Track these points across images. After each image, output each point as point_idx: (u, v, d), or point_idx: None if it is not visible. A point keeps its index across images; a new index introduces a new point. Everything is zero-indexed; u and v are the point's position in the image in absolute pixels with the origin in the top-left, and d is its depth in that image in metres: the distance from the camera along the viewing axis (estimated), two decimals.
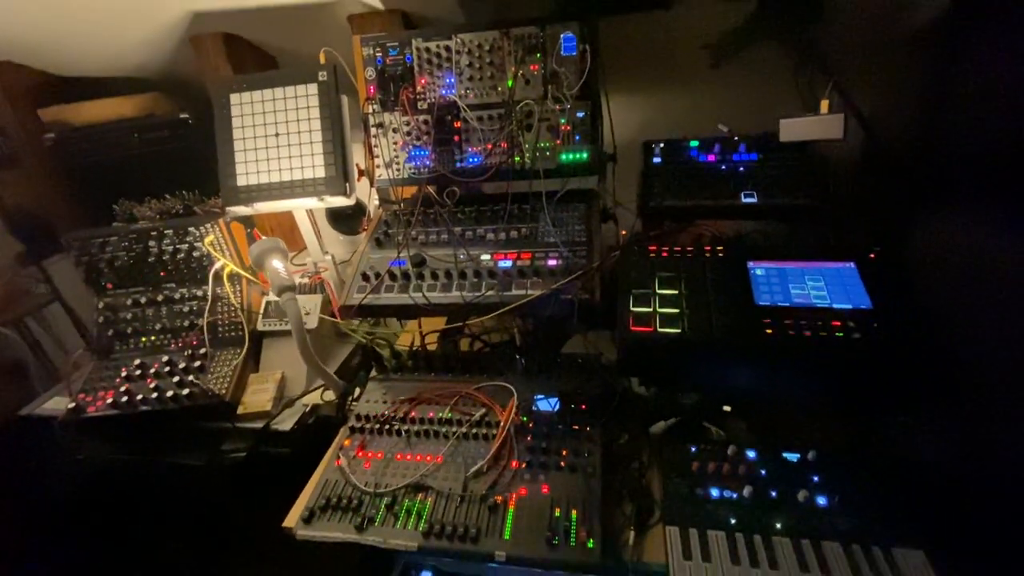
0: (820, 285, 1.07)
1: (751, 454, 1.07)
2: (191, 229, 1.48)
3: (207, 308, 1.45)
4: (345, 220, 1.90)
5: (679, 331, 1.03)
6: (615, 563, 0.95)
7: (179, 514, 1.47)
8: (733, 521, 0.97)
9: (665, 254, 1.18)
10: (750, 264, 1.13)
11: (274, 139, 1.45)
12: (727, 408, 1.18)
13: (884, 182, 1.17)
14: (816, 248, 1.14)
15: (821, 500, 0.97)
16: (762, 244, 1.16)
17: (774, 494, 0.99)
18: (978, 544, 0.87)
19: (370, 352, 1.39)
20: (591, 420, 1.17)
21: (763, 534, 0.94)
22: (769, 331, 0.99)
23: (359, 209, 1.85)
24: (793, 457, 1.05)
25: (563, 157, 1.38)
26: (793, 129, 1.18)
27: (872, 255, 1.09)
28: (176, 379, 1.37)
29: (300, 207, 1.51)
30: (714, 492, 1.01)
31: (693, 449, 1.10)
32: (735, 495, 1.00)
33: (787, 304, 1.04)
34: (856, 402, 1.03)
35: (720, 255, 1.16)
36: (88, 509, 1.39)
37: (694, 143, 1.49)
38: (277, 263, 1.24)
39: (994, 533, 0.85)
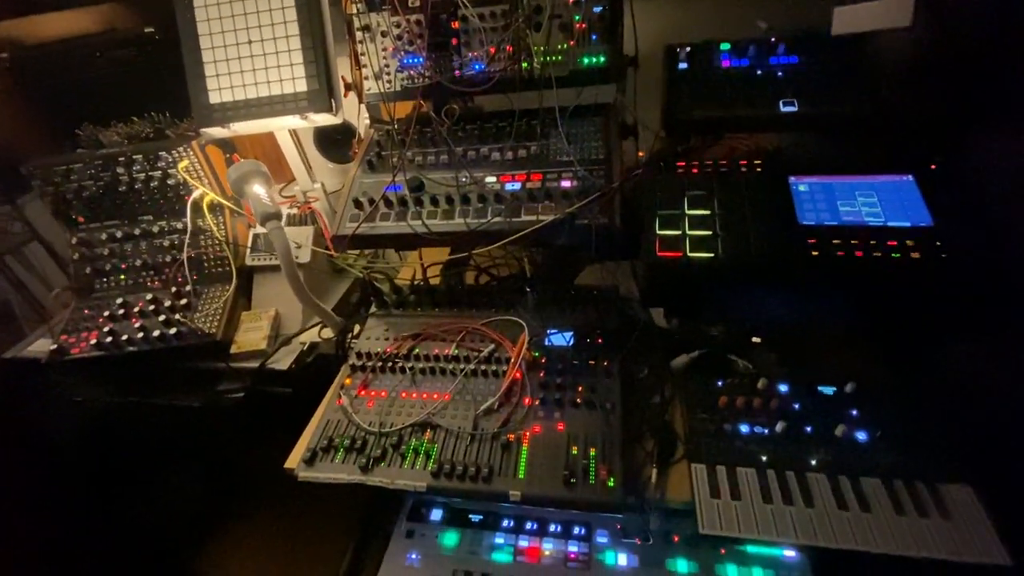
0: (873, 201, 0.94)
1: (783, 388, 0.99)
2: (162, 154, 1.33)
3: (188, 241, 1.33)
4: (335, 146, 1.74)
5: (712, 255, 0.92)
6: (636, 501, 0.89)
7: (178, 456, 1.43)
8: (764, 458, 0.90)
9: (695, 171, 1.05)
10: (792, 180, 1.00)
11: (247, 48, 1.27)
12: (756, 339, 1.08)
13: (950, 82, 1.01)
14: (867, 160, 1.00)
15: (860, 435, 0.90)
16: (805, 157, 1.02)
17: (809, 429, 0.92)
18: None
19: (369, 287, 1.29)
20: (608, 354, 1.08)
21: (797, 471, 0.88)
22: (815, 252, 0.88)
23: (348, 132, 1.69)
24: (829, 390, 0.98)
25: (579, 61, 1.20)
26: (850, 18, 1.00)
27: (933, 166, 0.96)
28: (162, 318, 1.28)
29: (282, 127, 1.35)
30: (743, 428, 0.94)
31: (720, 383, 1.02)
32: (766, 431, 0.93)
33: (835, 223, 0.93)
34: (904, 328, 0.94)
35: (757, 171, 1.02)
36: (82, 453, 1.35)
37: (725, 45, 1.30)
38: (259, 188, 1.11)
39: None
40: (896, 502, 0.82)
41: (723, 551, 0.99)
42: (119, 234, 1.38)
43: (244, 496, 1.50)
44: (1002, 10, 0.93)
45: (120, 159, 1.33)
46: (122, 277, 1.38)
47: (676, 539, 1.02)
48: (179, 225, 1.37)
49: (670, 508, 0.90)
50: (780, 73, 1.23)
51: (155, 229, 1.38)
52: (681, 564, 0.98)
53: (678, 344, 1.13)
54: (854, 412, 0.93)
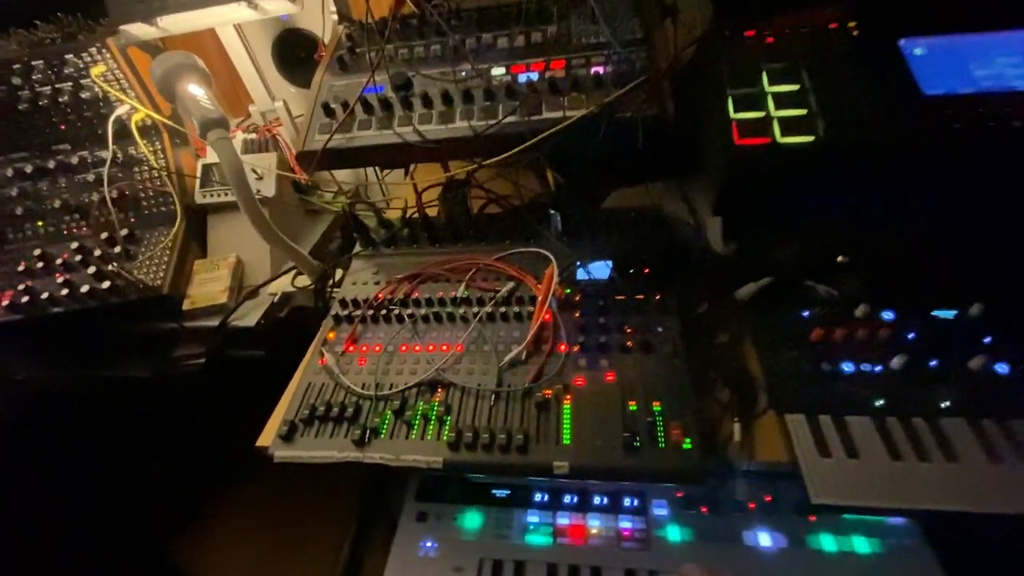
0: (1016, 62, 0.71)
1: (888, 315, 0.78)
2: (70, 58, 1.03)
3: (115, 173, 1.06)
4: (298, 65, 1.43)
5: (812, 138, 0.68)
6: (719, 466, 0.69)
7: (131, 439, 1.19)
8: (880, 403, 0.70)
9: (771, 39, 0.80)
10: (903, 43, 0.76)
11: None
12: (842, 259, 0.86)
13: None
14: (994, 14, 0.76)
15: (1001, 367, 0.70)
16: (915, 15, 0.78)
17: (934, 364, 0.71)
18: None
19: (351, 223, 1.04)
20: (659, 287, 0.86)
21: (926, 417, 0.67)
22: (956, 126, 0.65)
23: (315, 48, 1.39)
24: (948, 315, 0.77)
25: None
26: None
27: None
28: (92, 270, 1.02)
29: (225, 21, 1.06)
30: (846, 367, 0.73)
31: (806, 314, 0.81)
32: (878, 368, 0.72)
33: (973, 91, 0.69)
34: None
35: (855, 35, 0.78)
36: (13, 441, 1.11)
37: None
38: (195, 88, 0.84)
39: None
40: None
41: (812, 518, 0.80)
42: (29, 169, 1.10)
43: (216, 479, 1.28)
44: None
45: (15, 67, 1.03)
46: (39, 223, 1.10)
47: (752, 506, 0.82)
48: (104, 155, 1.09)
49: (765, 473, 0.69)
50: None
51: (74, 160, 1.09)
52: (763, 537, 0.79)
53: (739, 272, 0.91)
54: (988, 339, 0.72)
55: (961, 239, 0.75)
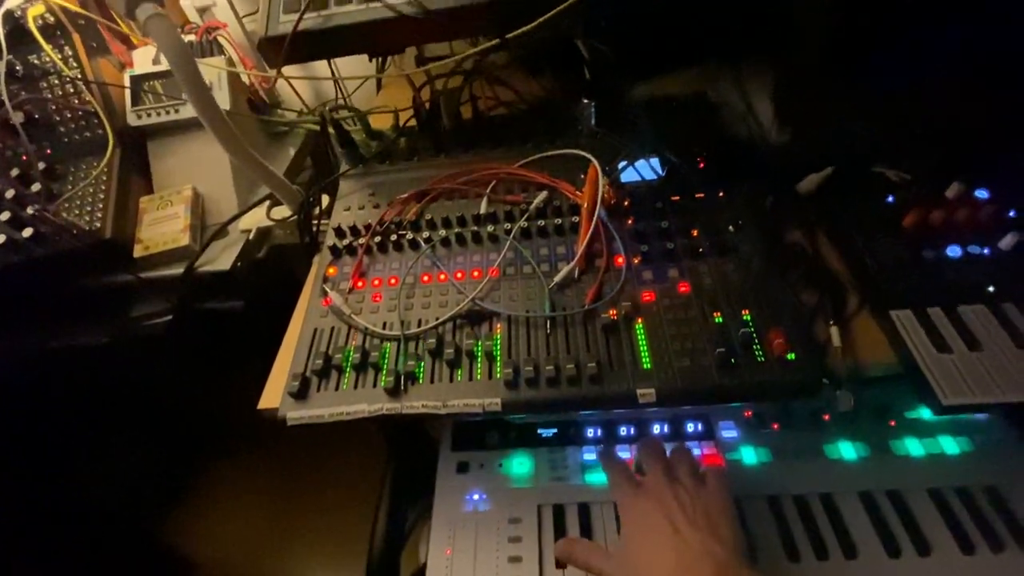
0: None
1: (982, 193, 0.69)
2: None
3: (20, 91, 0.82)
4: None
5: None
6: (825, 376, 0.60)
7: (91, 416, 1.02)
8: (993, 288, 0.61)
9: None
10: None
11: None
12: (916, 134, 0.76)
13: None
14: None
15: None
16: None
17: None
18: None
19: (336, 134, 0.85)
20: (719, 181, 0.73)
21: None
22: None
23: None
24: None
25: None
26: None
27: None
28: (6, 216, 0.80)
29: None
30: (952, 252, 0.64)
31: (890, 199, 0.70)
32: (986, 250, 0.63)
33: None
34: None
35: None
36: None
37: None
38: None
39: None
40: None
41: (892, 423, 0.74)
42: None
43: (206, 452, 1.13)
44: None
45: None
46: None
47: (827, 417, 0.75)
48: (2, 67, 0.84)
49: (874, 378, 0.61)
50: None
51: None
52: (845, 448, 0.72)
53: (799, 161, 0.79)
54: None
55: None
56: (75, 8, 0.83)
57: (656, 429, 0.79)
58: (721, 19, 0.67)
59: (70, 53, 0.85)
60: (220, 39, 0.97)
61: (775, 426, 0.76)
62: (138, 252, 0.84)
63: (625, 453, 0.76)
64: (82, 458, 1.13)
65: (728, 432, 0.77)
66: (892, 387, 0.64)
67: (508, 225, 0.73)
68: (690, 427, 0.78)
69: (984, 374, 0.55)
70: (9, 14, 0.80)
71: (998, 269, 0.62)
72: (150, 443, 1.13)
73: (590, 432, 0.79)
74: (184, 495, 1.15)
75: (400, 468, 0.83)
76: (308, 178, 1.10)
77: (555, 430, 0.80)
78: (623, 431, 0.79)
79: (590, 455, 0.77)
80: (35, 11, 0.81)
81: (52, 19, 0.84)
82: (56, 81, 0.85)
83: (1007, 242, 0.62)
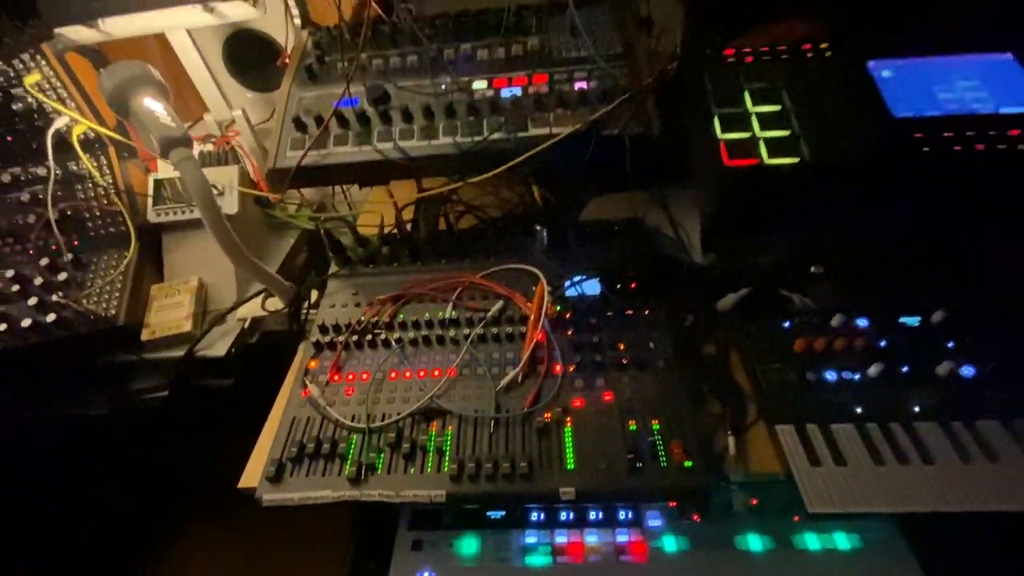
0: (975, 85, 0.76)
1: (862, 323, 0.83)
2: None
3: (50, 188, 0.96)
4: (253, 69, 1.35)
5: (797, 160, 0.71)
6: (718, 481, 0.71)
7: (90, 480, 1.10)
8: (860, 410, 0.74)
9: (750, 59, 0.82)
10: (871, 65, 0.80)
11: None
12: (816, 269, 0.91)
13: None
14: (952, 38, 0.82)
15: (967, 370, 0.75)
16: (881, 38, 0.82)
17: (906, 370, 0.76)
18: None
19: (324, 240, 0.99)
20: (648, 301, 0.87)
21: (902, 421, 0.72)
22: (926, 149, 0.69)
23: (270, 50, 1.31)
24: (913, 321, 0.82)
25: None
26: None
27: None
28: (33, 301, 0.92)
29: (177, 25, 0.97)
30: (829, 376, 0.77)
31: (787, 325, 0.84)
32: (857, 376, 0.76)
33: (937, 113, 0.74)
34: (999, 235, 0.79)
35: (827, 56, 0.81)
36: None
37: None
38: (152, 102, 0.76)
39: None
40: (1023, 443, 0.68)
41: (796, 518, 0.84)
42: None
43: (186, 519, 1.20)
44: None
45: None
46: None
47: (741, 510, 0.85)
48: (40, 171, 0.99)
49: (760, 484, 0.72)
50: None
51: (5, 179, 0.98)
52: (753, 540, 0.82)
53: (720, 283, 0.93)
54: (951, 344, 0.78)
55: (925, 250, 0.80)
56: (110, 133, 0.99)
57: (593, 516, 0.88)
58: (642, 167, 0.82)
59: (105, 162, 1.01)
60: (236, 146, 1.13)
61: (696, 517, 0.86)
62: (145, 336, 0.95)
63: (563, 537, 0.86)
64: (70, 511, 1.20)
65: (654, 521, 0.86)
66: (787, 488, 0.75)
67: (467, 330, 0.86)
68: (621, 514, 0.88)
69: (846, 487, 0.67)
70: (57, 131, 0.95)
71: (865, 393, 0.75)
72: (130, 504, 1.20)
73: (534, 516, 0.89)
74: (158, 557, 1.20)
75: (361, 547, 0.92)
76: (304, 260, 1.24)
77: (503, 512, 0.90)
78: (563, 516, 0.89)
79: (531, 538, 0.86)
80: (79, 129, 0.97)
81: (92, 135, 0.99)
82: (90, 184, 1.00)
83: (873, 370, 0.76)
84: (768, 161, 0.71)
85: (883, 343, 0.79)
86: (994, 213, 0.74)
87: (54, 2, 0.89)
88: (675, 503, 0.87)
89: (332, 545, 1.00)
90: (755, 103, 0.77)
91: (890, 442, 0.70)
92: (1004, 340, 0.76)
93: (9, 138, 0.97)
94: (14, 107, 0.94)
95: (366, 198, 1.26)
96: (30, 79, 0.92)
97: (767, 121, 0.74)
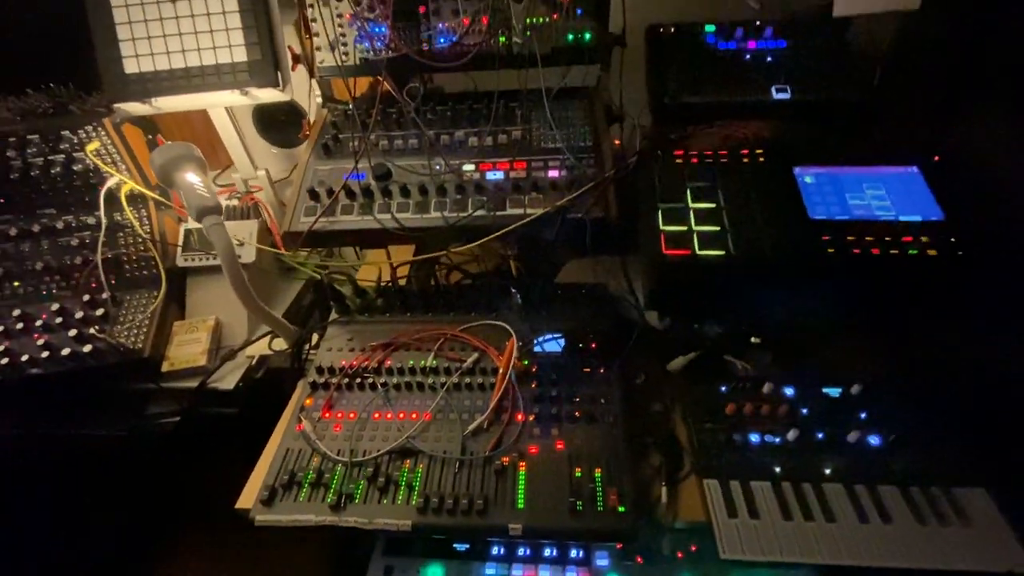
0: (881, 194, 0.90)
1: (789, 391, 0.94)
2: (65, 134, 1.10)
3: (103, 239, 1.11)
4: (277, 127, 1.53)
5: (723, 253, 0.84)
6: (648, 526, 0.81)
7: (101, 496, 1.21)
8: (778, 469, 0.84)
9: (695, 160, 0.97)
10: (797, 171, 0.94)
11: (170, 7, 1.06)
12: (755, 340, 1.03)
13: (947, 68, 0.98)
14: (870, 151, 0.96)
15: (873, 440, 0.86)
16: (808, 147, 0.97)
17: (821, 436, 0.87)
18: None
19: (326, 290, 1.13)
20: (605, 360, 0.99)
21: (812, 482, 0.82)
22: (831, 250, 0.82)
23: (294, 112, 1.49)
24: (835, 392, 0.93)
25: (563, 37, 1.09)
26: (856, 0, 0.94)
27: (936, 158, 0.92)
28: (72, 333, 1.06)
29: (217, 104, 1.15)
30: (753, 438, 0.88)
31: (723, 389, 0.96)
32: (778, 439, 0.87)
33: (846, 217, 0.87)
34: (912, 324, 0.91)
35: (761, 160, 0.96)
36: None
37: (710, 27, 1.23)
38: (193, 177, 0.93)
39: None
40: (916, 511, 0.78)
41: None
42: (13, 231, 1.14)
43: (184, 535, 1.30)
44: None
45: (11, 139, 1.09)
46: (16, 284, 1.14)
47: (680, 556, 0.95)
48: (89, 220, 1.15)
49: (686, 530, 0.82)
50: (769, 58, 1.17)
51: (59, 225, 1.14)
52: None
53: (672, 345, 1.05)
54: (863, 415, 0.89)
55: (840, 329, 0.92)
56: (152, 194, 1.16)
57: (547, 552, 0.98)
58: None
59: (144, 214, 1.17)
60: (259, 203, 1.29)
61: (639, 559, 0.96)
62: (165, 367, 1.09)
63: (519, 571, 0.96)
64: (69, 530, 1.30)
65: (601, 560, 0.96)
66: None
67: (444, 378, 0.98)
68: (573, 552, 0.98)
69: (755, 538, 0.77)
70: (110, 191, 1.12)
71: (783, 455, 0.85)
72: (133, 520, 1.30)
73: (495, 550, 0.99)
74: (153, 569, 1.30)
75: (340, 571, 1.02)
76: (310, 302, 1.38)
77: (468, 545, 1.00)
78: (521, 551, 0.99)
79: (491, 570, 0.96)
80: (126, 188, 1.14)
81: (137, 191, 1.16)
82: (130, 233, 1.15)
83: (791, 435, 0.86)
84: (699, 252, 0.84)
85: (805, 411, 0.91)
86: (898, 306, 0.86)
87: (116, 82, 1.07)
88: (620, 545, 0.97)
89: (314, 568, 1.10)
90: (694, 200, 0.91)
91: (799, 500, 0.80)
92: (908, 415, 0.87)
93: (67, 192, 1.14)
94: (75, 168, 1.11)
95: (367, 252, 1.42)
96: (91, 147, 1.09)
97: (702, 217, 0.88)
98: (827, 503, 0.80)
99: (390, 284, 1.17)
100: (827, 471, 0.83)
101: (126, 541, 1.27)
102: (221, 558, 1.24)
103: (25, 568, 1.19)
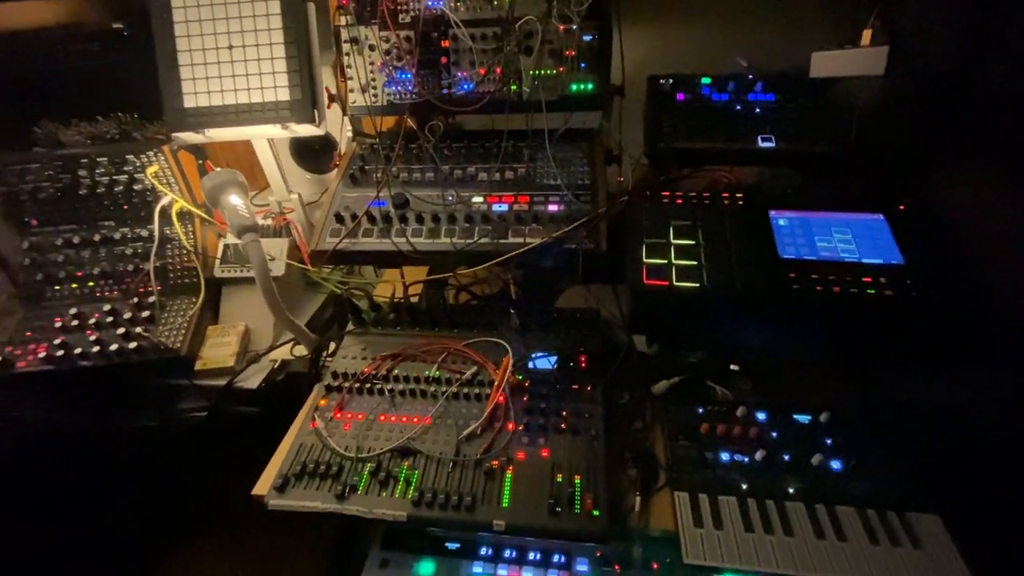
0: (848, 238, 0.98)
1: (761, 416, 1.01)
2: (130, 158, 1.26)
3: (154, 250, 1.26)
4: (311, 156, 1.70)
5: (698, 285, 0.93)
6: (621, 531, 0.89)
7: (130, 480, 1.33)
8: (744, 486, 0.91)
9: (680, 201, 1.07)
10: (772, 214, 1.03)
11: (227, 52, 1.23)
12: (734, 367, 1.11)
13: (918, 126, 1.07)
14: (841, 198, 1.06)
15: (835, 464, 0.93)
16: (784, 193, 1.06)
17: (787, 458, 0.94)
18: (995, 508, 0.84)
19: (345, 303, 1.25)
20: (592, 379, 1.08)
21: (776, 499, 0.89)
22: (796, 286, 0.91)
23: (327, 143, 1.66)
24: (804, 419, 1.00)
25: (568, 87, 1.22)
26: (828, 63, 1.05)
27: (902, 207, 1.01)
28: (121, 331, 1.20)
29: (260, 136, 1.31)
30: (724, 456, 0.95)
31: (700, 411, 1.04)
32: (747, 459, 0.95)
33: (813, 258, 0.96)
34: (876, 360, 0.98)
35: (740, 203, 1.06)
36: (22, 477, 1.24)
37: (706, 80, 1.35)
38: (236, 199, 1.07)
39: (1013, 496, 0.82)
40: (870, 532, 0.84)
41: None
42: (76, 239, 1.29)
43: (200, 522, 1.41)
44: (968, 62, 1.00)
45: (83, 160, 1.25)
46: (74, 285, 1.29)
47: (656, 566, 1.01)
48: (143, 232, 1.30)
49: (654, 538, 0.89)
50: (758, 110, 1.28)
51: (116, 236, 1.30)
52: None
53: (658, 369, 1.14)
54: (829, 441, 0.96)
55: (812, 361, 1.00)
56: (199, 212, 1.31)
57: (532, 556, 1.06)
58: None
59: (190, 229, 1.31)
60: (291, 223, 1.43)
61: (616, 567, 1.02)
62: (198, 366, 1.21)
63: (504, 571, 1.03)
64: (93, 511, 1.42)
65: (581, 566, 1.03)
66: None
67: (445, 388, 1.08)
68: (555, 557, 1.05)
69: (718, 547, 0.84)
70: (163, 208, 1.27)
71: (751, 474, 0.93)
72: (156, 510, 1.41)
73: (483, 550, 1.07)
74: (173, 561, 1.41)
75: (339, 563, 1.11)
76: (331, 314, 1.50)
77: (458, 544, 1.08)
78: (507, 553, 1.06)
79: (478, 568, 1.04)
80: (178, 205, 1.29)
81: (185, 209, 1.31)
82: (177, 245, 1.30)
83: (759, 455, 0.94)
84: (676, 284, 0.94)
85: (774, 434, 0.98)
86: (860, 342, 0.94)
87: (176, 114, 1.23)
88: (600, 552, 1.04)
89: (318, 559, 1.19)
90: (676, 236, 1.01)
91: (762, 515, 0.87)
92: (870, 442, 0.94)
93: (125, 207, 1.30)
94: (135, 187, 1.27)
95: (383, 271, 1.54)
96: (151, 169, 1.25)
97: (681, 252, 0.98)
98: (787, 519, 0.87)
99: (402, 301, 1.28)
100: (790, 490, 0.90)
101: (148, 524, 1.38)
102: (232, 545, 1.34)
103: (57, 543, 1.30)
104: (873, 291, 0.89)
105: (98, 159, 1.25)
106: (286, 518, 0.94)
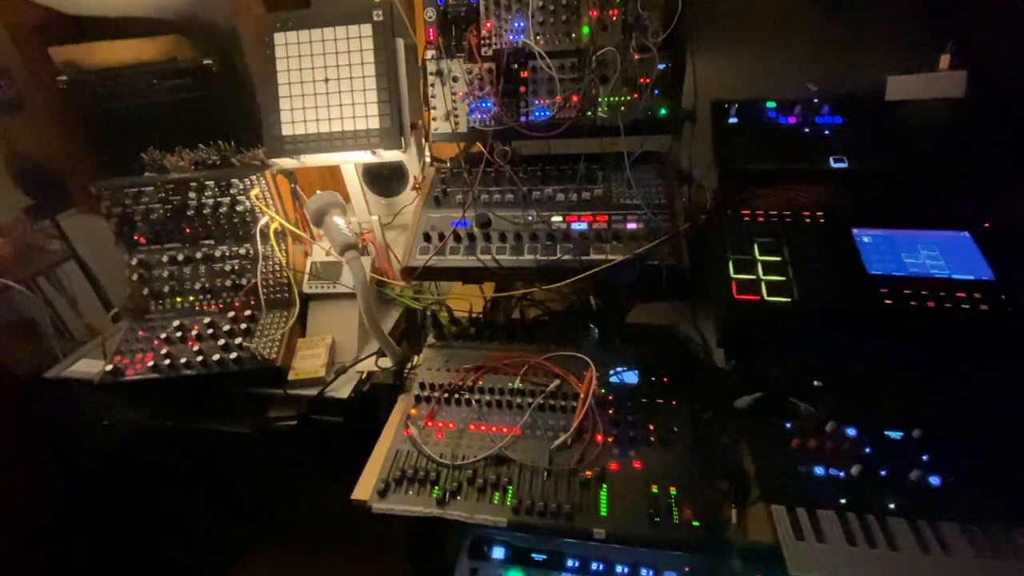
0: (936, 254, 1.00)
1: (851, 431, 1.02)
2: (235, 181, 1.36)
3: (259, 267, 1.35)
4: (381, 180, 1.80)
5: (789, 299, 0.96)
6: (719, 542, 0.90)
7: (223, 484, 1.40)
8: (843, 501, 0.91)
9: (761, 219, 1.10)
10: (855, 231, 1.06)
11: (323, 85, 1.33)
12: (817, 383, 1.11)
13: (997, 148, 1.09)
14: (924, 216, 1.07)
15: (934, 480, 0.92)
16: (865, 211, 1.09)
17: (884, 473, 0.94)
18: None
19: (426, 317, 1.31)
20: (675, 393, 1.11)
21: (876, 515, 0.89)
22: (888, 301, 0.93)
23: (398, 169, 1.75)
24: (896, 435, 1.00)
25: (643, 113, 1.28)
26: (905, 87, 1.08)
27: (987, 224, 1.02)
28: (221, 342, 1.28)
29: (350, 161, 1.40)
30: (818, 470, 0.96)
31: (788, 425, 1.04)
32: (842, 474, 0.95)
33: (902, 274, 0.98)
34: (970, 374, 0.98)
35: (821, 221, 1.08)
36: (125, 478, 1.32)
37: (771, 103, 1.39)
38: (339, 219, 1.14)
39: None
40: (975, 545, 0.83)
41: None
42: (180, 257, 1.39)
43: (283, 526, 1.46)
44: None
45: (192, 184, 1.36)
46: (178, 300, 1.38)
47: None
48: (240, 250, 1.39)
49: (754, 549, 0.90)
50: (827, 131, 1.31)
51: (217, 253, 1.39)
52: None
53: (737, 385, 1.15)
54: (925, 457, 0.95)
55: (899, 376, 1.01)
56: (294, 229, 1.40)
57: (619, 569, 1.07)
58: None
59: (283, 247, 1.40)
60: (371, 243, 1.51)
61: None
62: (290, 376, 1.28)
63: None
64: (177, 512, 1.48)
65: None
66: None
67: (530, 400, 1.12)
68: (644, 571, 1.06)
69: (822, 559, 0.84)
70: (262, 228, 1.36)
71: (847, 488, 0.93)
72: (239, 513, 1.48)
73: (570, 563, 1.08)
74: (254, 563, 1.46)
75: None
76: (402, 331, 1.56)
77: (545, 556, 1.10)
78: (593, 567, 1.08)
79: None
80: (275, 225, 1.38)
81: (281, 229, 1.40)
82: (273, 262, 1.39)
83: (855, 470, 0.94)
84: (767, 298, 0.96)
85: (868, 449, 0.98)
86: (953, 356, 0.94)
87: (274, 141, 1.33)
88: (688, 567, 1.04)
89: (399, 568, 1.22)
90: (761, 253, 1.04)
91: (864, 529, 0.87)
92: (966, 458, 0.93)
93: (226, 227, 1.39)
94: (237, 208, 1.37)
95: (452, 286, 1.60)
96: (254, 192, 1.35)
97: (768, 268, 1.01)
98: (890, 533, 0.86)
99: (480, 315, 1.34)
100: (891, 506, 0.90)
101: (238, 526, 1.44)
102: (317, 551, 1.38)
103: (156, 538, 1.37)
104: (968, 306, 0.90)
105: (206, 183, 1.36)
106: (361, 525, 0.98)
